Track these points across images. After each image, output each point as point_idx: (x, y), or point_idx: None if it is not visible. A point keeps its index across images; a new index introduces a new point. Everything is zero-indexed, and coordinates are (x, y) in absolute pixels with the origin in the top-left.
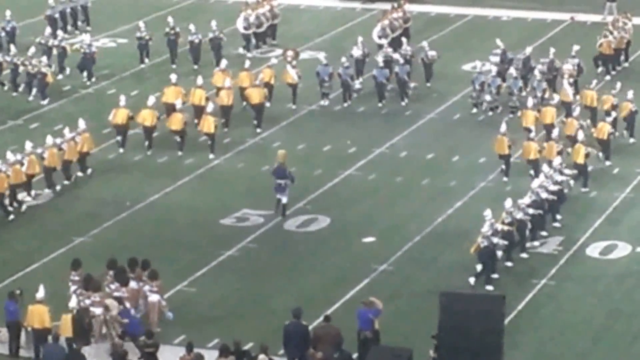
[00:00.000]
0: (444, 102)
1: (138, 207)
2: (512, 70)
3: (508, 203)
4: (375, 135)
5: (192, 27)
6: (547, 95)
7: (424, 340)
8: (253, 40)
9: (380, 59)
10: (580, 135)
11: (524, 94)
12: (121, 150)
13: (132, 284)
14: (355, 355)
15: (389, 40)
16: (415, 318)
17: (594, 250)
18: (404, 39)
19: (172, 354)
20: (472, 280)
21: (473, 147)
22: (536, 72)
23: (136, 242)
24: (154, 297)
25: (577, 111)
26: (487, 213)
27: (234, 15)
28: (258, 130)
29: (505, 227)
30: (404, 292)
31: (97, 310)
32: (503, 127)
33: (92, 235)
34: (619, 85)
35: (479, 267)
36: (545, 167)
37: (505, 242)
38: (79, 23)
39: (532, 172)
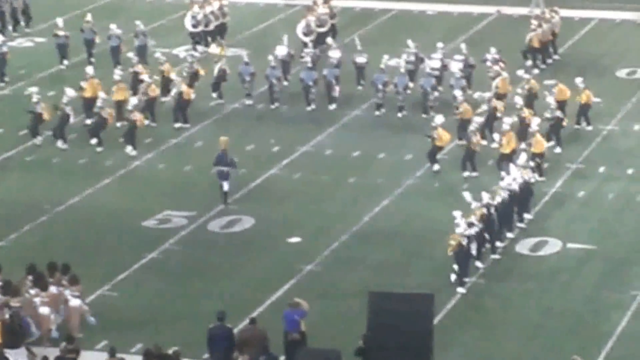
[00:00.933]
0: (368, 99)
1: (58, 210)
2: (427, 68)
3: (485, 197)
4: (299, 134)
5: (112, 27)
6: (467, 91)
7: (352, 341)
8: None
9: (307, 58)
10: (535, 125)
11: (436, 94)
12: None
13: (52, 289)
14: (282, 358)
15: (314, 37)
16: (343, 319)
17: (523, 247)
18: (330, 41)
19: (95, 359)
20: (453, 277)
21: (399, 144)
22: (454, 68)
23: (56, 246)
24: (75, 302)
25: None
26: (457, 214)
27: (154, 13)
28: (176, 125)
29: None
30: (331, 293)
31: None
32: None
33: (11, 239)
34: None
35: (456, 267)
36: (512, 166)
37: (475, 245)
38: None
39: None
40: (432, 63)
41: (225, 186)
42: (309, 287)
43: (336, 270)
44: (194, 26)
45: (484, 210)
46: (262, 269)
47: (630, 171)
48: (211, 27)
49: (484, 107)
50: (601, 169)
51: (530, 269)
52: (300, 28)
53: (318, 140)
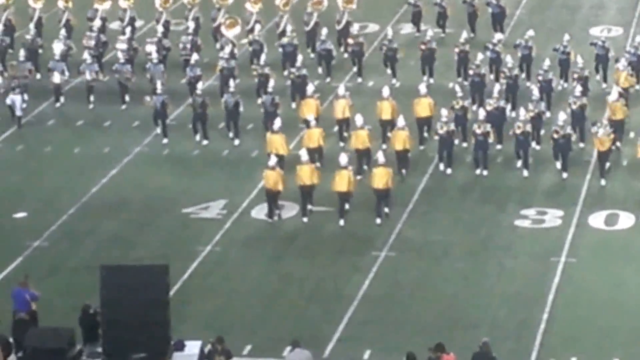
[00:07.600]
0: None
1: None
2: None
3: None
4: None
5: None
6: None
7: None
8: None
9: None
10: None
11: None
12: None
13: None
14: (11, 340)
15: None
16: (75, 295)
17: (259, 213)
18: None
19: None
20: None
21: (123, 111)
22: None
23: None
24: None
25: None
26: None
27: None
28: None
29: None
30: (61, 268)
31: None
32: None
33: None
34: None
35: None
36: None
37: None
38: None
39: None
40: None
41: None
42: (38, 263)
43: (65, 245)
44: None
45: None
46: None
47: None
48: None
49: None
50: None
51: (267, 235)
52: None
53: (40, 109)
